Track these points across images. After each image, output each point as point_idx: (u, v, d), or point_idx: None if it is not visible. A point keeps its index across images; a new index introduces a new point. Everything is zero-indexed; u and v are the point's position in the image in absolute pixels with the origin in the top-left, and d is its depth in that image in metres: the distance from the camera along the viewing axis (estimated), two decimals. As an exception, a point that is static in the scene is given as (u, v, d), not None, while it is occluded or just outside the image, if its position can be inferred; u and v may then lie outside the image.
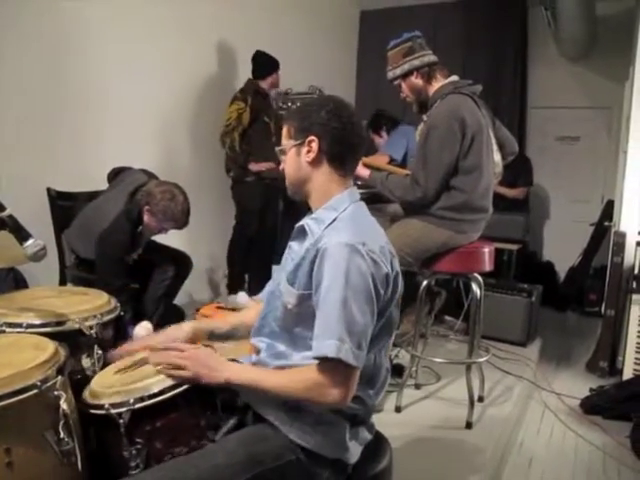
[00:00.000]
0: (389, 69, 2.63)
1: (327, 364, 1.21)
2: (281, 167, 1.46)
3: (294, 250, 1.43)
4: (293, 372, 1.28)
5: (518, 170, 4.91)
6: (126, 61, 3.44)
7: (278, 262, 1.53)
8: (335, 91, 5.05)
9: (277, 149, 1.45)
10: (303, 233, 1.40)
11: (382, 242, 1.34)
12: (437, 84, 2.57)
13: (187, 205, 2.74)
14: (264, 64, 4.04)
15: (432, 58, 2.58)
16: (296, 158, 1.40)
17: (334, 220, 1.34)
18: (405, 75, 2.58)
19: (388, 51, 2.63)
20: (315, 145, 1.36)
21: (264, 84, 4.04)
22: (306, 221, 1.40)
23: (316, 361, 1.23)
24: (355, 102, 6.08)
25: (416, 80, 2.58)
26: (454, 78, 2.60)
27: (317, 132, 1.36)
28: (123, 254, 2.71)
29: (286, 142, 1.42)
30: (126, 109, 3.46)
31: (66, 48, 3.12)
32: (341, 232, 1.28)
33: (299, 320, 1.32)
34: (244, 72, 4.18)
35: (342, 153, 1.39)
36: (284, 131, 1.44)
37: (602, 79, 5.30)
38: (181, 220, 2.76)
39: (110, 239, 2.66)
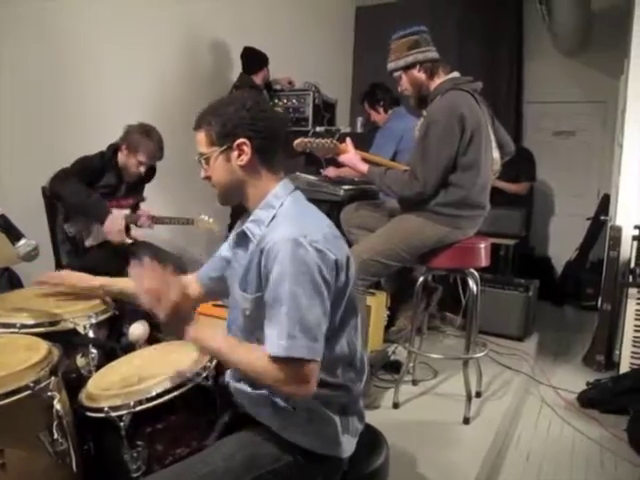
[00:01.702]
0: (391, 59, 2.59)
1: (280, 362, 1.19)
2: (203, 175, 1.39)
3: (240, 256, 1.40)
4: (256, 359, 1.23)
5: (520, 165, 4.90)
6: (122, 58, 3.41)
7: None
8: (331, 87, 5.08)
9: (197, 159, 1.38)
10: (245, 238, 1.37)
11: (325, 229, 1.31)
12: (438, 80, 2.56)
13: (160, 138, 2.87)
14: (254, 60, 4.07)
15: (435, 54, 2.57)
16: (226, 164, 1.34)
17: (273, 217, 1.32)
18: (407, 67, 2.56)
19: (393, 41, 2.59)
20: (247, 148, 1.32)
21: (257, 79, 4.07)
22: (246, 225, 1.37)
23: None
24: (351, 98, 6.08)
25: (418, 74, 2.56)
26: (455, 74, 2.59)
27: (245, 134, 1.31)
28: (87, 173, 2.77)
29: (208, 149, 1.35)
30: (122, 108, 3.43)
31: (62, 46, 3.09)
32: (281, 228, 1.26)
33: (259, 325, 1.28)
34: (239, 68, 4.17)
35: (272, 149, 1.36)
36: (201, 137, 1.36)
37: (597, 73, 5.30)
38: (155, 152, 2.86)
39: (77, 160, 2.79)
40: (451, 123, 2.40)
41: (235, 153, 1.33)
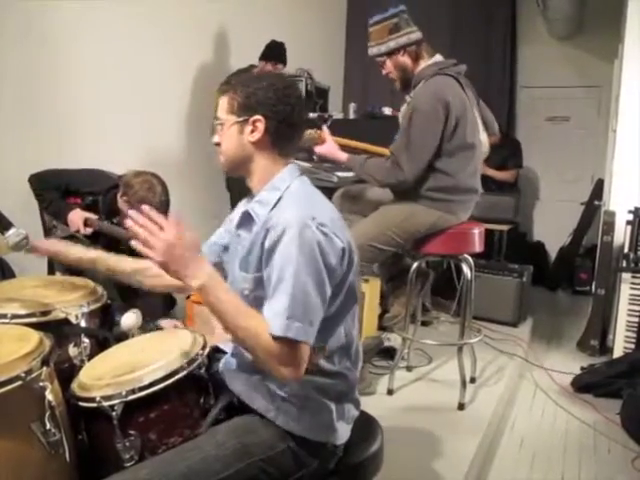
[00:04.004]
0: (372, 45, 2.57)
1: (278, 340, 1.18)
2: (215, 140, 1.39)
3: (243, 237, 1.39)
4: (261, 328, 1.19)
5: (507, 153, 4.93)
6: (116, 49, 3.38)
7: None
8: (324, 73, 5.04)
9: (214, 122, 1.38)
10: (249, 219, 1.36)
11: (331, 214, 1.30)
12: (423, 63, 2.54)
13: (166, 196, 2.69)
14: (274, 52, 4.01)
15: (418, 35, 2.54)
16: (238, 136, 1.34)
17: (279, 199, 1.31)
18: (391, 53, 2.54)
19: (371, 26, 2.57)
20: (261, 126, 1.31)
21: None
22: (250, 206, 1.36)
23: None
24: (344, 82, 6.05)
25: (402, 58, 2.54)
26: (438, 58, 2.57)
27: (264, 112, 1.31)
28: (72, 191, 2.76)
29: (226, 116, 1.35)
30: (114, 99, 3.40)
31: (52, 38, 3.05)
32: (289, 209, 1.25)
33: (258, 304, 1.27)
34: (231, 56, 4.15)
35: (288, 135, 1.35)
36: (223, 102, 1.36)
37: (591, 58, 5.28)
38: (160, 211, 2.71)
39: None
40: (436, 110, 2.38)
41: (249, 128, 1.33)
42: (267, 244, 1.23)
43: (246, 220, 1.38)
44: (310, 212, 1.23)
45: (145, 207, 1.24)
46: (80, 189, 2.79)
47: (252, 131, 1.33)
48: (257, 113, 1.31)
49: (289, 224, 1.20)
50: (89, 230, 2.69)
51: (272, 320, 1.19)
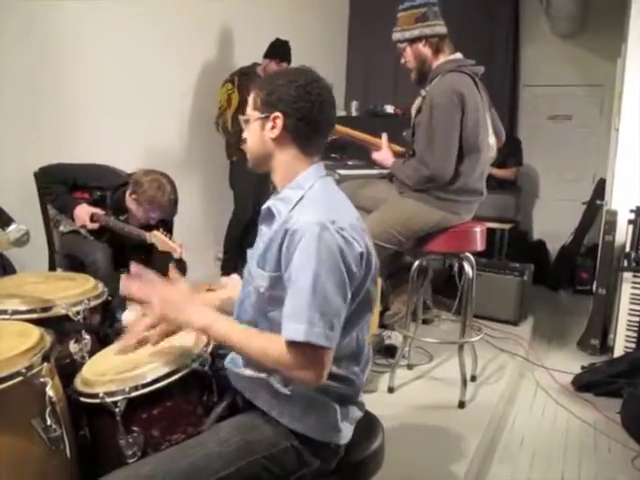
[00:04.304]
0: (397, 30, 2.55)
1: (297, 347, 1.18)
2: (244, 136, 1.40)
3: (264, 233, 1.39)
4: (268, 344, 1.22)
5: (508, 151, 4.91)
6: (118, 49, 3.38)
7: None
8: (326, 69, 5.02)
9: (241, 117, 1.40)
10: (271, 215, 1.35)
11: (352, 218, 1.29)
12: (443, 58, 2.53)
13: (175, 195, 2.71)
14: (278, 51, 4.02)
15: (443, 29, 2.53)
16: (259, 131, 1.34)
17: (301, 199, 1.30)
18: (413, 40, 2.52)
19: (400, 11, 2.55)
20: (280, 122, 1.30)
21: (259, 69, 4.04)
22: (272, 202, 1.36)
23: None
24: (346, 79, 6.03)
25: (423, 48, 2.52)
26: (458, 56, 2.56)
27: (283, 109, 1.30)
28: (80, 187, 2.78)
29: (251, 112, 1.36)
30: (116, 98, 3.40)
31: (58, 34, 3.05)
32: (309, 211, 1.24)
33: (272, 303, 1.28)
34: (234, 55, 4.16)
35: (308, 133, 1.33)
36: (251, 99, 1.37)
37: (594, 56, 5.26)
38: (168, 210, 2.74)
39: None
40: (452, 101, 2.38)
41: (270, 124, 1.32)
42: (285, 246, 1.23)
43: (267, 216, 1.38)
44: (330, 215, 1.22)
45: (136, 269, 1.32)
46: (88, 183, 2.79)
47: (272, 127, 1.32)
48: (277, 110, 1.31)
49: (308, 226, 1.19)
50: (95, 225, 2.69)
51: (291, 326, 1.18)
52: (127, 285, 1.31)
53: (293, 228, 1.21)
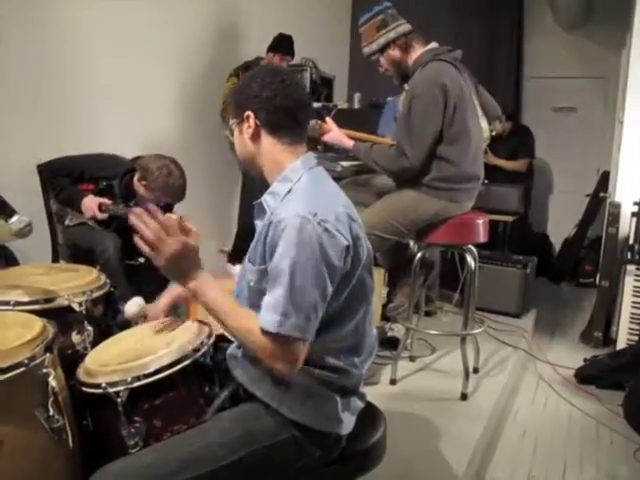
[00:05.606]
0: (364, 45, 2.62)
1: (269, 336, 1.19)
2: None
3: (257, 227, 1.39)
4: (255, 327, 1.22)
5: (518, 142, 4.87)
6: (123, 38, 3.36)
7: None
8: (329, 63, 5.01)
9: (226, 132, 1.44)
10: (262, 210, 1.37)
11: (339, 208, 1.27)
12: (415, 53, 2.55)
13: (184, 180, 2.73)
14: (282, 44, 4.03)
15: (407, 27, 2.56)
16: (240, 136, 1.38)
17: (289, 192, 1.31)
18: (382, 49, 2.57)
19: (360, 27, 2.62)
20: (252, 120, 1.33)
21: (263, 63, 4.02)
22: (264, 197, 1.37)
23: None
24: (349, 71, 6.01)
25: (394, 52, 2.56)
26: (433, 45, 2.57)
27: (251, 106, 1.33)
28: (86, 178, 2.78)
29: (231, 122, 1.40)
30: (120, 87, 3.39)
31: (61, 22, 3.04)
32: (293, 203, 1.25)
33: (260, 297, 1.27)
34: (238, 49, 4.14)
35: (280, 120, 1.34)
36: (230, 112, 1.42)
37: (599, 48, 5.23)
38: (177, 195, 2.76)
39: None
40: (434, 94, 2.38)
41: (245, 125, 1.35)
42: (269, 238, 1.23)
43: (260, 211, 1.39)
44: (313, 208, 1.21)
45: (151, 206, 1.26)
46: (94, 174, 2.80)
47: (248, 127, 1.34)
48: (247, 109, 1.33)
49: (290, 219, 1.20)
50: (104, 215, 2.69)
51: (266, 316, 1.19)
52: (139, 221, 1.22)
53: (276, 220, 1.22)
